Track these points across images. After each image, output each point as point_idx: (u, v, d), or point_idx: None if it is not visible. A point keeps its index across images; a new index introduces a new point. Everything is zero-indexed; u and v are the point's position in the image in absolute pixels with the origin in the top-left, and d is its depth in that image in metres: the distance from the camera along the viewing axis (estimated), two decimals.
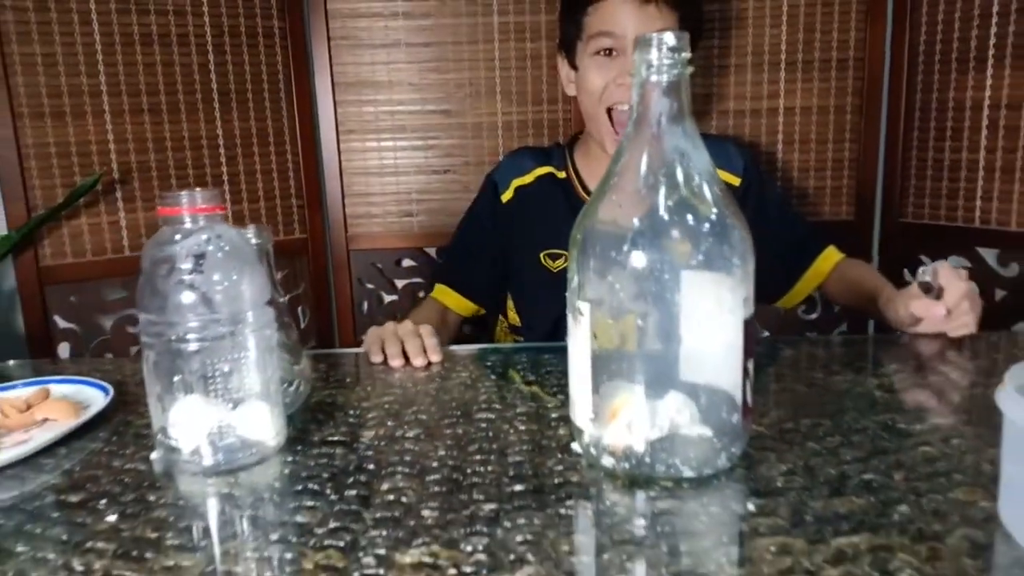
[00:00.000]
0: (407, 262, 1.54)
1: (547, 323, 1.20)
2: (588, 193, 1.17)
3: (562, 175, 1.21)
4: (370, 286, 1.55)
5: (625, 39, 1.05)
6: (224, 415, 0.62)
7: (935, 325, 0.89)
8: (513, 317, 1.28)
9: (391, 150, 1.49)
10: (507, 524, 0.52)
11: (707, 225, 0.55)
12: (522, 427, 0.69)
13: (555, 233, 1.15)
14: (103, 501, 0.58)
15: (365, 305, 1.55)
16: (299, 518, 0.54)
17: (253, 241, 0.70)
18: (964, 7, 1.28)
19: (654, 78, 0.55)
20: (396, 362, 0.88)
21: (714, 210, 0.55)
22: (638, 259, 0.54)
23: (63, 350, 1.33)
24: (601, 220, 0.57)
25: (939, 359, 0.85)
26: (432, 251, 1.54)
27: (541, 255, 1.19)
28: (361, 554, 0.49)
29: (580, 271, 0.57)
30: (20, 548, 0.52)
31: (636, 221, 0.55)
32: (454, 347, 0.97)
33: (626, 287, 0.55)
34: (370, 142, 1.48)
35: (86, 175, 1.28)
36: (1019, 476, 0.47)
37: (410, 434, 0.69)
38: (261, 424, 0.64)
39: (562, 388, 0.79)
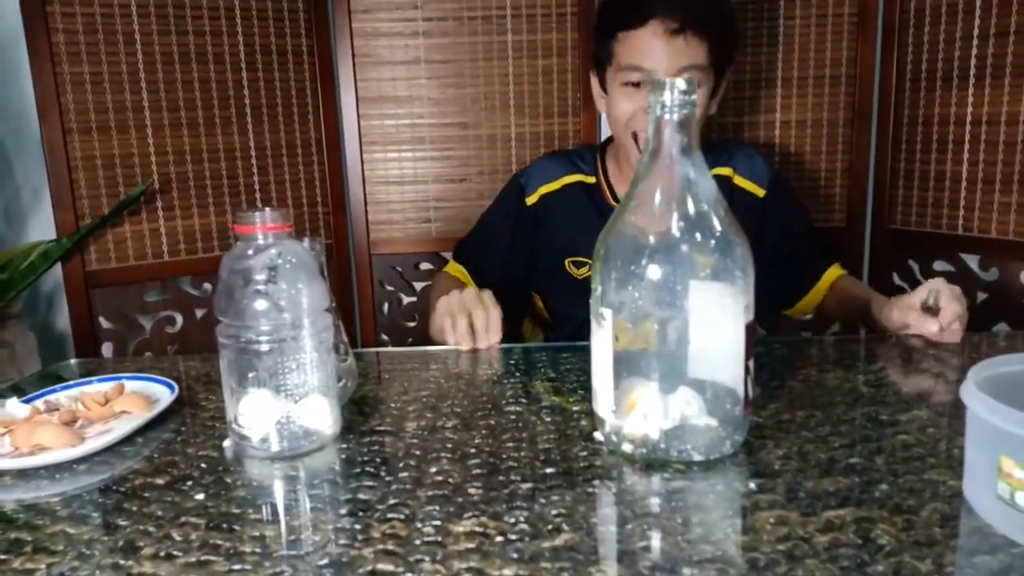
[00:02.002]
0: (425, 265, 1.63)
1: (573, 325, 1.26)
2: (616, 199, 1.23)
3: (591, 180, 1.24)
4: (390, 288, 1.63)
5: (654, 73, 1.08)
6: (289, 407, 0.71)
7: (926, 336, 0.98)
8: (543, 314, 1.33)
9: (411, 160, 1.57)
10: (542, 500, 0.60)
11: (713, 242, 0.63)
12: (548, 419, 0.77)
13: (580, 241, 1.21)
14: (188, 483, 0.66)
15: (386, 306, 1.63)
16: (361, 496, 0.62)
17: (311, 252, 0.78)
18: (948, 29, 1.37)
19: (667, 116, 0.64)
20: (465, 345, 0.98)
21: (719, 229, 0.64)
22: (653, 271, 0.63)
23: (106, 349, 1.42)
24: (621, 236, 0.66)
25: (921, 358, 0.94)
26: (449, 255, 1.62)
27: (566, 262, 1.23)
28: (420, 524, 0.58)
29: (603, 281, 0.66)
30: (123, 522, 0.60)
31: (652, 238, 0.64)
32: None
33: (643, 295, 0.63)
34: (391, 153, 1.57)
35: (129, 185, 1.37)
36: (979, 459, 0.56)
37: (449, 424, 0.77)
38: (320, 415, 0.72)
39: (581, 384, 0.87)
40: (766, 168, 1.22)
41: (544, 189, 1.25)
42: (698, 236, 0.63)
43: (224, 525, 0.59)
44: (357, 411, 0.82)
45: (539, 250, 1.26)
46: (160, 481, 0.67)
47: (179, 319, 1.47)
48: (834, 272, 1.22)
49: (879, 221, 1.54)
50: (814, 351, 0.99)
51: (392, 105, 1.55)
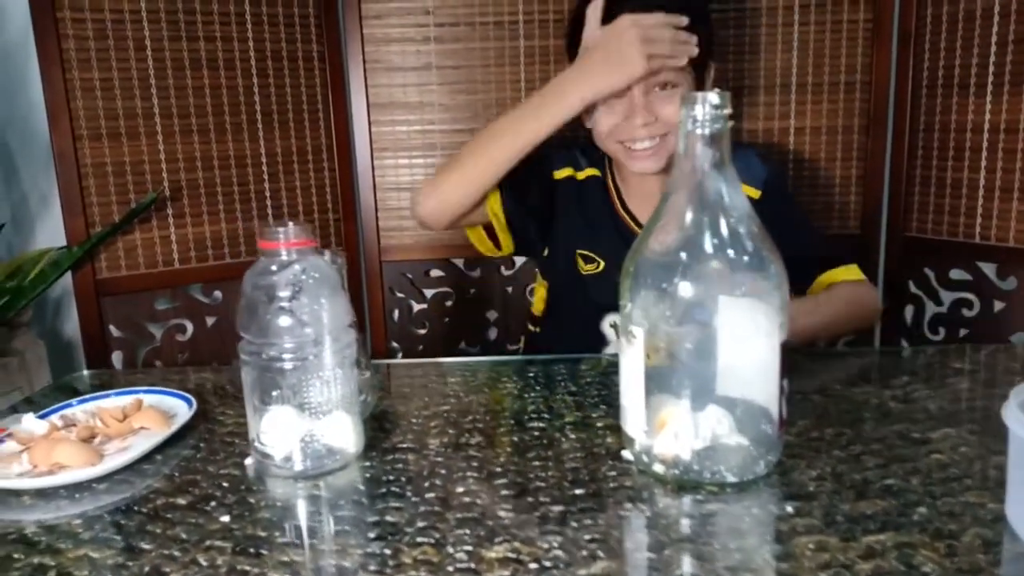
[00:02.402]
0: (436, 272, 1.62)
1: (573, 324, 1.24)
2: (624, 205, 1.20)
3: (605, 180, 1.23)
4: (400, 295, 1.62)
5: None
6: (312, 425, 0.70)
7: None
8: (539, 307, 1.31)
9: (422, 167, 1.56)
10: (574, 524, 0.59)
11: (746, 258, 0.62)
12: (572, 435, 0.76)
13: (592, 235, 1.20)
14: (211, 503, 0.65)
15: (396, 313, 1.62)
16: (389, 518, 0.61)
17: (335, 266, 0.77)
18: (965, 35, 1.36)
19: (698, 131, 0.63)
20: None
21: (752, 246, 0.63)
22: (685, 289, 0.62)
23: (116, 357, 1.41)
24: (652, 253, 0.64)
25: (943, 371, 0.93)
26: (459, 262, 1.61)
27: (576, 253, 1.21)
28: (451, 549, 0.57)
29: (633, 298, 0.65)
30: (147, 545, 0.59)
31: (683, 255, 0.63)
32: (497, 358, 1.05)
33: (675, 313, 0.62)
34: (402, 159, 1.56)
35: (140, 192, 1.36)
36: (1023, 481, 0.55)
37: (472, 441, 0.76)
38: (344, 433, 0.71)
39: (603, 398, 0.86)
40: (763, 168, 1.18)
41: (569, 172, 1.23)
42: (731, 253, 0.62)
43: (251, 549, 0.58)
44: (378, 427, 0.81)
45: (555, 231, 1.23)
46: (182, 501, 0.66)
47: (189, 327, 1.45)
48: (832, 277, 1.15)
49: (894, 229, 1.53)
50: (835, 363, 0.98)
51: (403, 111, 1.54)
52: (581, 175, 1.23)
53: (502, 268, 1.62)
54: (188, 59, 1.37)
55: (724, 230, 0.62)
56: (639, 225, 1.18)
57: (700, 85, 1.13)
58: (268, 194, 1.47)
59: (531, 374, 0.96)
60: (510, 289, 1.63)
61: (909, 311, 1.52)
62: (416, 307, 1.63)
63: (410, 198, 1.19)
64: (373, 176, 1.55)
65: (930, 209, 1.46)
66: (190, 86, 1.38)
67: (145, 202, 1.31)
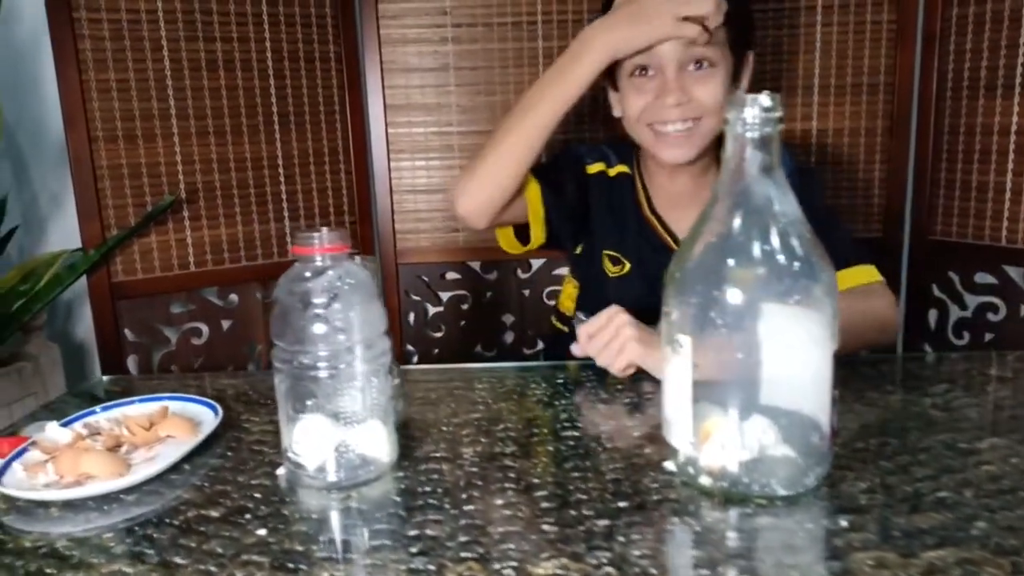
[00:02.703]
0: (451, 275, 1.60)
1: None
2: (651, 206, 1.14)
3: (635, 179, 1.17)
4: (416, 298, 1.60)
5: (662, 57, 1.00)
6: (345, 434, 0.68)
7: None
8: (567, 305, 1.27)
9: (439, 169, 1.54)
10: (621, 539, 0.57)
11: (796, 265, 0.61)
12: (608, 445, 0.75)
13: (619, 236, 1.15)
14: (245, 516, 0.64)
15: (412, 316, 1.61)
16: (429, 531, 0.60)
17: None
18: (992, 36, 1.34)
19: (748, 134, 0.61)
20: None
21: (801, 252, 0.61)
22: (734, 296, 0.60)
23: (131, 362, 1.39)
24: (699, 260, 0.63)
25: (980, 378, 0.91)
26: (475, 265, 1.60)
27: (604, 254, 1.16)
28: (497, 565, 0.55)
29: (679, 306, 0.63)
30: (183, 560, 0.57)
31: (731, 262, 0.61)
32: (523, 364, 1.03)
33: (723, 322, 0.61)
34: (419, 161, 1.54)
35: (156, 195, 1.34)
36: None
37: (507, 451, 0.74)
38: (378, 442, 0.69)
39: (636, 406, 0.85)
40: (791, 163, 1.10)
41: (601, 167, 1.17)
42: (780, 259, 0.60)
43: (289, 564, 0.56)
44: (408, 435, 0.79)
45: (587, 227, 1.17)
46: (215, 513, 0.64)
47: (205, 330, 1.44)
48: (841, 279, 1.04)
49: (918, 232, 1.51)
50: (865, 369, 0.96)
51: (420, 113, 1.52)
52: (612, 171, 1.17)
53: (519, 271, 1.60)
54: (205, 60, 1.36)
55: (774, 236, 0.61)
56: (665, 229, 1.15)
57: (738, 73, 1.07)
58: (284, 196, 1.46)
59: (559, 380, 0.94)
60: (527, 292, 1.61)
61: (933, 315, 1.51)
62: (432, 310, 1.62)
63: (449, 195, 1.15)
64: (389, 178, 1.54)
65: (955, 212, 1.44)
66: (206, 87, 1.36)
67: (162, 205, 1.30)
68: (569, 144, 1.17)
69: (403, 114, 1.52)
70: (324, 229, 0.66)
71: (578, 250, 1.22)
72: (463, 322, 1.61)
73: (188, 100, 1.35)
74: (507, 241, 1.22)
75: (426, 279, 1.60)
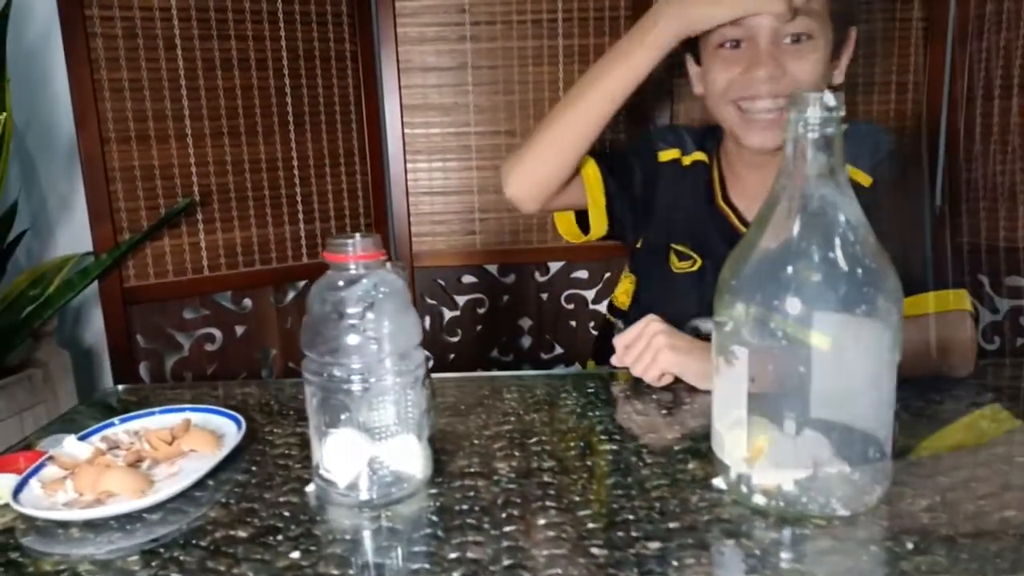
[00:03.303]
0: (468, 278, 1.57)
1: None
2: (727, 198, 1.04)
3: (710, 166, 1.07)
4: (432, 302, 1.57)
5: (754, 27, 0.90)
6: (379, 450, 0.65)
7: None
8: (623, 300, 1.18)
9: (456, 170, 1.51)
10: (676, 563, 0.54)
11: (860, 272, 0.57)
12: (650, 460, 0.71)
13: (690, 229, 1.05)
14: (276, 536, 0.60)
15: (427, 320, 1.58)
16: (471, 554, 0.57)
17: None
18: None
19: (810, 135, 0.58)
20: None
21: (866, 259, 0.58)
22: (793, 306, 0.57)
23: (143, 369, 1.36)
24: (757, 267, 0.59)
25: (1014, 383, 0.88)
26: (493, 268, 1.57)
27: (671, 248, 1.07)
28: None
29: (734, 316, 0.60)
30: None
31: (790, 269, 0.58)
32: (552, 372, 1.00)
33: (782, 334, 0.57)
34: (436, 163, 1.51)
35: (169, 197, 1.31)
36: None
37: (545, 466, 0.71)
38: (412, 458, 0.66)
39: (673, 417, 0.81)
40: (876, 146, 0.96)
41: (675, 154, 1.07)
42: (843, 267, 0.57)
43: None
44: (440, 449, 0.76)
45: (651, 220, 1.09)
46: (243, 534, 0.61)
47: (219, 336, 1.41)
48: (924, 303, 0.91)
49: (948, 234, 1.48)
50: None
51: (437, 113, 1.49)
52: (688, 159, 1.07)
53: (536, 274, 1.57)
54: (219, 59, 1.33)
55: (836, 243, 0.57)
56: (743, 222, 1.03)
57: (837, 50, 0.96)
58: (299, 199, 1.43)
59: (590, 389, 0.91)
60: (545, 296, 1.58)
61: None
62: (448, 315, 1.59)
63: (500, 173, 1.05)
64: (406, 180, 1.51)
65: (982, 215, 1.41)
66: (220, 87, 1.33)
67: (178, 207, 1.27)
68: (646, 127, 1.11)
69: (419, 114, 1.49)
70: (357, 235, 0.63)
71: (638, 244, 1.14)
72: (480, 326, 1.58)
73: (202, 100, 1.32)
74: (567, 228, 1.15)
75: (442, 283, 1.57)
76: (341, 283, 0.63)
